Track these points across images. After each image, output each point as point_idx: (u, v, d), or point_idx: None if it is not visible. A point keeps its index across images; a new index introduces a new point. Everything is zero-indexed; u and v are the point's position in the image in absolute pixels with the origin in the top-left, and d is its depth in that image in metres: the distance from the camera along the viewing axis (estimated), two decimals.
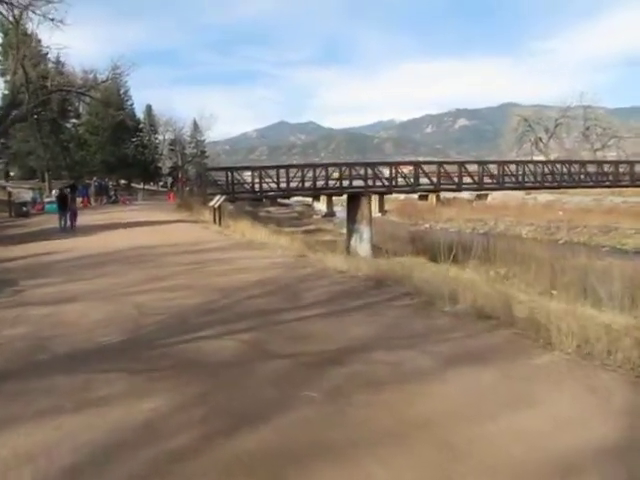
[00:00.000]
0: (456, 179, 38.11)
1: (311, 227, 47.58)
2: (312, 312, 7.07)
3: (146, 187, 64.17)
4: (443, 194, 54.31)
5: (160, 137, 70.58)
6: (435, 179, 36.81)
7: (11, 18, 31.86)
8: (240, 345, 5.82)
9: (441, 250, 11.11)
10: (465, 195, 53.49)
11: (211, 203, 22.99)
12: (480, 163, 41.63)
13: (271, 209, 59.60)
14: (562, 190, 45.86)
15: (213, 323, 6.64)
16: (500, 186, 41.07)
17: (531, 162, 46.04)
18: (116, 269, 11.16)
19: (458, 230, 44.85)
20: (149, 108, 68.02)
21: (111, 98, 43.23)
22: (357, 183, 35.23)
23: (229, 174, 33.63)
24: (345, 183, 34.89)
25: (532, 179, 41.14)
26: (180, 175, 45.12)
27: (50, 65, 41.06)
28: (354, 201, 34.53)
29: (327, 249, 15.90)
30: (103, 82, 37.14)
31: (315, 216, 60.60)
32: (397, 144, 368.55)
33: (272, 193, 35.20)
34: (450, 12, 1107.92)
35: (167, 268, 10.95)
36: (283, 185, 33.87)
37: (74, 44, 41.53)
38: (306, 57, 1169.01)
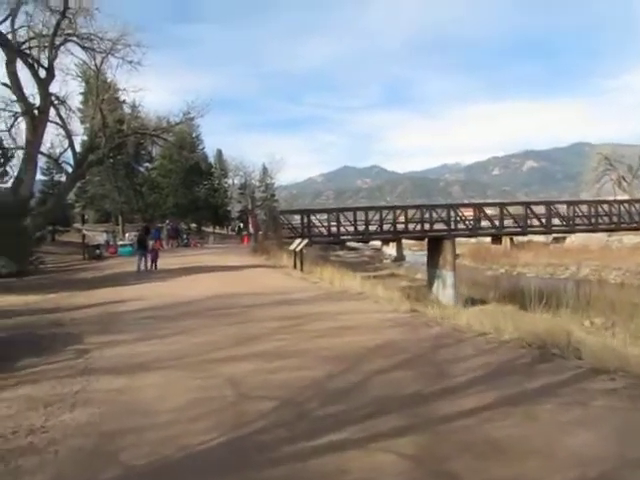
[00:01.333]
0: (543, 220, 35.67)
1: (384, 272, 45.41)
2: (479, 400, 4.93)
3: (216, 231, 63.95)
4: (517, 237, 51.33)
5: (229, 181, 70.82)
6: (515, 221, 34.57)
7: (93, 66, 32.53)
8: (405, 463, 3.73)
9: (529, 297, 10.26)
10: (541, 238, 50.14)
11: (291, 247, 21.29)
12: (570, 203, 38.89)
13: (340, 253, 57.83)
14: None
15: (346, 417, 4.60)
16: (594, 227, 38.07)
17: (627, 201, 42.34)
18: (198, 324, 9.37)
19: (536, 275, 42.29)
20: (219, 152, 68.50)
21: (184, 141, 43.06)
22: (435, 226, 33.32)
23: (304, 217, 32.19)
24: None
25: (627, 219, 38.00)
26: (253, 218, 44.24)
27: (126, 110, 41.40)
28: (436, 245, 32.52)
29: (412, 296, 13.79)
30: (177, 124, 36.75)
31: (385, 260, 58.44)
32: (464, 187, 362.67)
33: (349, 237, 33.39)
34: (516, 52, 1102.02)
35: (258, 324, 9.06)
36: (360, 228, 32.16)
37: (146, 93, 41.91)
38: (370, 101, 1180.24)
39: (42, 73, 27.51)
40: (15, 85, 26.35)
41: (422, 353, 6.76)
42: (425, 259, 56.42)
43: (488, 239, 48.64)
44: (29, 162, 28.60)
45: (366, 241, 37.79)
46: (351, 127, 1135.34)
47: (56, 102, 29.98)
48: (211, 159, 65.60)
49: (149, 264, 22.28)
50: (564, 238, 50.57)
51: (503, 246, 54.31)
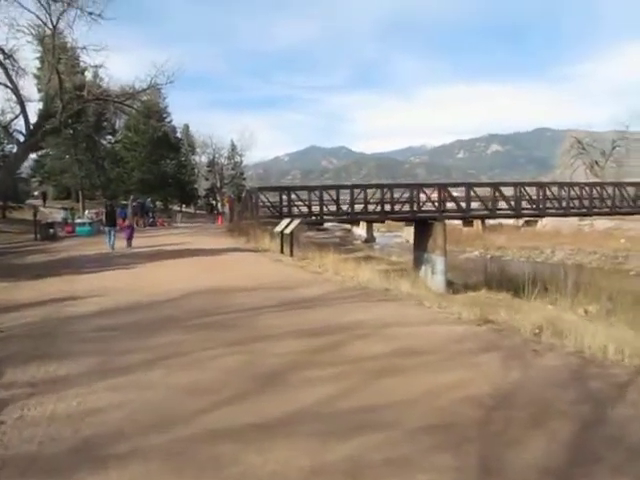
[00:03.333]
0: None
1: (360, 254, 42.90)
2: None
3: (183, 209, 60.35)
4: (488, 220, 49.64)
5: (197, 158, 67.34)
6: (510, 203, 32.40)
7: (49, 24, 28.46)
8: None
9: (516, 282, 10.79)
10: (510, 221, 49.46)
11: (277, 228, 18.26)
12: (562, 185, 36.57)
13: (310, 233, 55.36)
14: (620, 217, 40.52)
15: None
16: (588, 211, 35.98)
17: (614, 184, 39.83)
18: (181, 343, 6.29)
19: (512, 258, 41.18)
20: (186, 127, 64.44)
21: (152, 109, 39.18)
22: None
23: (283, 195, 29.14)
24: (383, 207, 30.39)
25: (609, 204, 35.88)
26: (228, 196, 41.17)
27: (87, 77, 37.28)
28: (424, 228, 29.93)
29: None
30: (144, 90, 32.95)
31: (355, 241, 56.36)
32: (429, 169, 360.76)
33: (333, 217, 30.40)
34: (483, 37, 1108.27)
35: (272, 345, 6.04)
36: (344, 207, 29.33)
37: (109, 57, 36.66)
38: (338, 82, 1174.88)
39: None
40: None
41: (593, 419, 3.89)
42: (393, 240, 55.50)
43: (458, 221, 46.79)
44: None
45: (351, 222, 34.82)
46: (319, 107, 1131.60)
47: (1, 57, 26.04)
48: (178, 135, 61.83)
49: (123, 242, 20.21)
50: (535, 221, 49.73)
51: (475, 228, 52.88)
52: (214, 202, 50.05)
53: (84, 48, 30.37)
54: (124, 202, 37.90)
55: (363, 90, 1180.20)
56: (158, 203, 54.00)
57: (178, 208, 58.45)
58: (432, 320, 7.22)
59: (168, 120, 55.12)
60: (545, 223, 48.79)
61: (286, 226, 17.63)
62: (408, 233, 59.03)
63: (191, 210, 63.88)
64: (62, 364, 5.58)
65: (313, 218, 29.69)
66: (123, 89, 34.78)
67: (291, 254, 16.61)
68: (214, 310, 8.18)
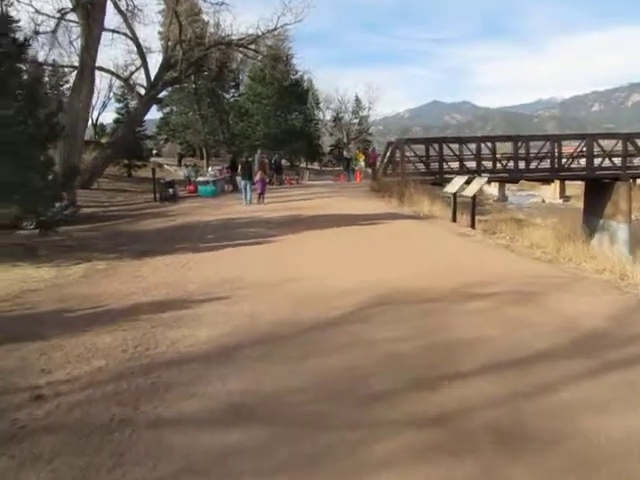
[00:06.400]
0: None
1: (502, 216, 37.51)
2: None
3: (309, 166, 57.14)
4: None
5: (320, 114, 63.84)
6: None
7: None
8: None
9: None
10: None
11: (449, 189, 13.73)
12: None
13: (438, 191, 50.77)
14: None
15: None
16: None
17: None
18: None
19: None
20: (310, 81, 60.49)
21: (279, 54, 35.14)
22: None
23: (431, 148, 24.51)
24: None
25: None
26: (369, 150, 37.34)
27: (207, 22, 34.09)
28: (599, 188, 25.32)
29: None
30: (269, 31, 29.34)
31: (486, 201, 51.17)
32: (560, 124, 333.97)
33: (490, 175, 25.32)
34: None
35: None
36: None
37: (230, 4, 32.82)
38: (462, 34, 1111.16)
39: None
40: None
41: None
42: (528, 200, 49.94)
43: None
44: (84, 72, 22.38)
45: (516, 180, 29.37)
46: (440, 61, 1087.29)
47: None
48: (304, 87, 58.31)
49: (255, 197, 19.81)
50: None
51: None
52: (349, 157, 45.85)
53: None
54: (249, 159, 34.95)
55: (487, 42, 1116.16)
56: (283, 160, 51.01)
57: (304, 165, 55.22)
58: None
59: (294, 72, 51.47)
60: None
61: (460, 186, 13.12)
62: (545, 192, 53.00)
63: (316, 167, 60.74)
64: None
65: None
66: (246, 34, 31.47)
67: (472, 225, 12.13)
68: (445, 365, 3.96)
